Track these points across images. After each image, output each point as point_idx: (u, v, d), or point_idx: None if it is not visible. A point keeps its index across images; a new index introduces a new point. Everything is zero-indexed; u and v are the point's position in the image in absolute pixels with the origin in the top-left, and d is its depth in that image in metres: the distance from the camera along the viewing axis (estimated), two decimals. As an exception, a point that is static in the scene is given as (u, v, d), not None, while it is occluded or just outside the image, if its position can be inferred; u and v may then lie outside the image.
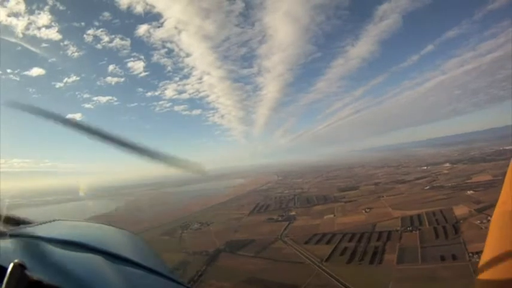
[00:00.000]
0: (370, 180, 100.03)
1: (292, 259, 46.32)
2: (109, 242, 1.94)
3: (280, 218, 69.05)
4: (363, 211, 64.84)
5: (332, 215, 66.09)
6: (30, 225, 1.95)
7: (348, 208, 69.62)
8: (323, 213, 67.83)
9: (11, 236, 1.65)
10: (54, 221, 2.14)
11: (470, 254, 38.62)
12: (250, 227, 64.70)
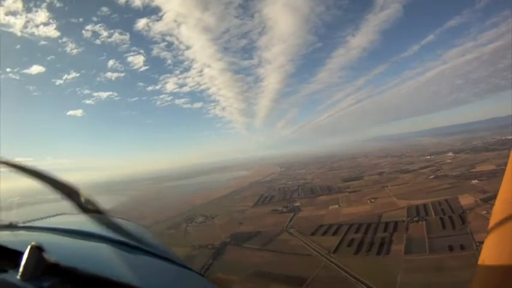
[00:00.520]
0: (374, 170, 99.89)
1: (299, 251, 46.10)
2: (117, 231, 1.98)
3: (284, 209, 68.86)
4: (368, 201, 64.59)
5: (337, 206, 65.91)
6: (38, 218, 2.11)
7: (353, 198, 69.42)
8: (328, 204, 67.68)
9: (21, 227, 1.82)
10: (60, 214, 2.32)
11: (478, 244, 38.32)
12: (255, 219, 64.54)
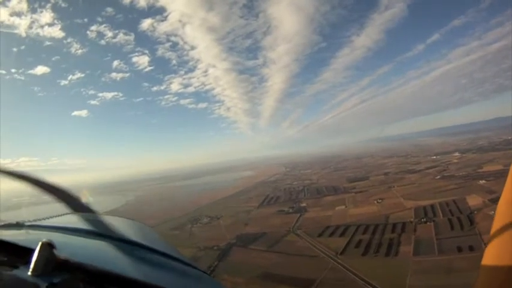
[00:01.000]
0: (380, 171, 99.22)
1: (306, 253, 45.62)
2: (124, 230, 1.98)
3: (290, 210, 68.39)
4: (375, 202, 64.08)
5: (343, 206, 65.40)
6: (44, 218, 2.05)
7: (359, 199, 68.87)
8: (334, 205, 67.19)
9: (28, 226, 1.80)
10: (66, 214, 2.23)
11: (486, 245, 37.70)
12: (261, 219, 64.11)
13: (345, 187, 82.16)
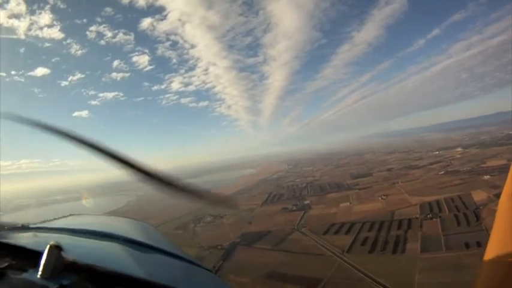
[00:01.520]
0: (383, 167, 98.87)
1: (312, 251, 45.22)
2: (129, 231, 2.05)
3: (294, 208, 68.05)
4: (379, 198, 63.60)
5: (348, 203, 65.07)
6: (49, 220, 2.12)
7: (363, 195, 68.47)
8: (338, 202, 66.86)
9: (34, 228, 1.83)
10: (70, 215, 2.31)
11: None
12: (265, 217, 63.75)
13: (349, 184, 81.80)
